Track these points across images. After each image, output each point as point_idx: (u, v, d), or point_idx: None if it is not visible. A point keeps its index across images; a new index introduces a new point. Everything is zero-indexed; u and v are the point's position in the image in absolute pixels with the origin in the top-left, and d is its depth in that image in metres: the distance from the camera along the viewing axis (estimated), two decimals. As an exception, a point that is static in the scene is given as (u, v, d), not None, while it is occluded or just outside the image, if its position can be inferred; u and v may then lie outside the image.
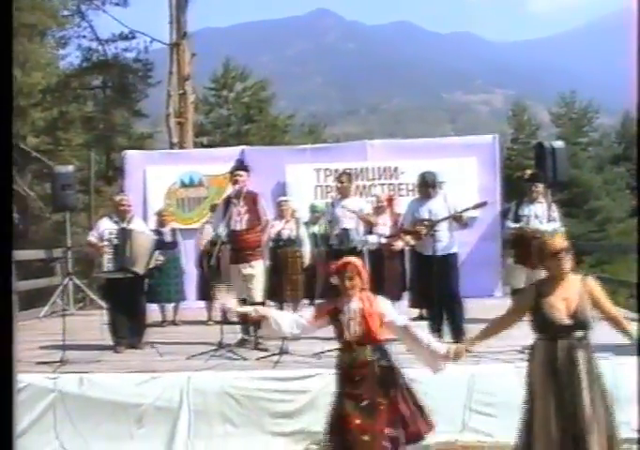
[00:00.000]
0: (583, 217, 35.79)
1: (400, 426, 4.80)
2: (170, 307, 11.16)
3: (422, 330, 5.14)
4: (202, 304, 11.07)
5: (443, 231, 8.23)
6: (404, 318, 5.17)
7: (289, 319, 5.08)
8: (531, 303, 4.62)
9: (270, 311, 5.21)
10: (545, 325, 4.53)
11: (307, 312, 5.12)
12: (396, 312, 5.14)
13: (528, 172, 11.12)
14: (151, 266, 8.81)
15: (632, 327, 4.55)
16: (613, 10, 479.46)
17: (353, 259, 5.15)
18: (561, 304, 4.49)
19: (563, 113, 43.71)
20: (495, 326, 4.99)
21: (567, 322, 4.45)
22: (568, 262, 4.57)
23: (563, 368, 4.43)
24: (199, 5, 21.57)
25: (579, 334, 4.47)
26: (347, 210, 8.86)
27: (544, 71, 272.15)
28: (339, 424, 4.87)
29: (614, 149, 43.19)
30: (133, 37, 26.31)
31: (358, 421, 4.77)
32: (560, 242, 4.61)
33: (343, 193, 9.15)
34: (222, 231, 8.24)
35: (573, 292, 4.54)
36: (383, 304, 5.02)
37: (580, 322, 4.47)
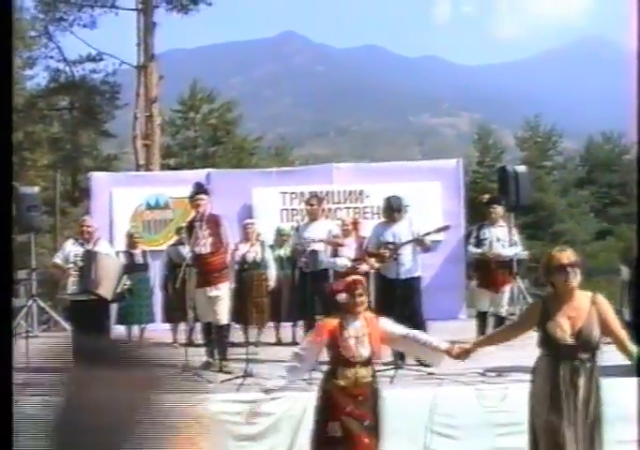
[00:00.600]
0: (548, 240, 36.10)
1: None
2: (136, 329, 11.13)
3: (420, 332, 5.26)
4: (167, 326, 11.05)
5: (407, 254, 8.33)
6: (402, 327, 5.18)
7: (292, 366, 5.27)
8: (536, 318, 4.45)
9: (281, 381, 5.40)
10: (548, 343, 4.36)
11: (305, 340, 5.27)
12: (394, 324, 5.20)
13: (487, 196, 11.28)
14: (119, 291, 8.77)
15: (635, 349, 4.37)
16: (577, 37, 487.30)
17: (359, 277, 5.22)
18: (566, 322, 4.29)
19: (528, 137, 44.15)
20: (499, 336, 5.01)
21: (570, 341, 4.26)
22: (575, 278, 4.38)
23: (563, 394, 4.25)
24: (166, 26, 21.71)
25: (583, 355, 4.28)
26: (313, 240, 8.92)
27: (510, 95, 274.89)
28: (332, 444, 4.86)
29: (578, 173, 43.73)
30: (101, 59, 26.41)
31: (366, 440, 4.79)
32: (567, 256, 4.40)
33: (313, 216, 9.21)
34: (187, 254, 8.30)
35: (581, 310, 4.33)
36: (383, 322, 5.09)
37: (584, 343, 4.27)
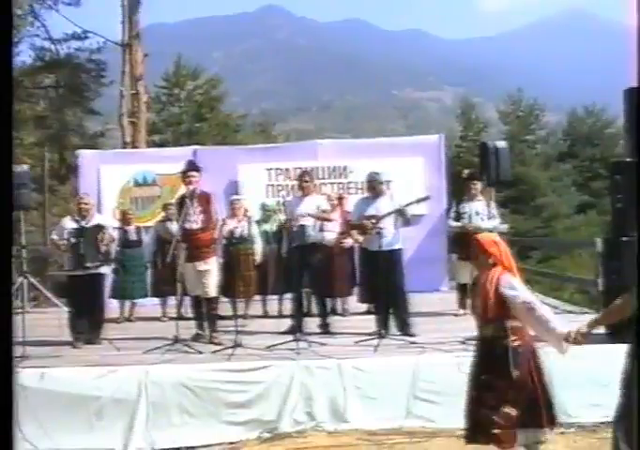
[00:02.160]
0: (530, 214, 36.48)
1: (526, 407, 4.69)
2: (127, 303, 11.37)
3: (547, 309, 4.81)
4: (156, 300, 11.31)
5: (388, 227, 8.56)
6: (528, 297, 4.78)
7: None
8: None
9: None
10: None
11: None
12: (522, 289, 4.83)
13: (466, 171, 11.50)
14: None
15: None
16: (559, 10, 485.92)
17: (480, 235, 5.11)
18: None
19: (510, 111, 44.33)
20: (617, 309, 4.36)
21: None
22: None
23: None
24: (149, 1, 21.63)
25: None
26: (306, 214, 9.06)
27: (493, 69, 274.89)
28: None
29: (560, 146, 43.91)
30: (86, 37, 26.30)
31: (474, 392, 4.88)
32: None
33: (306, 191, 9.33)
34: (177, 230, 8.52)
35: None
36: (506, 281, 4.78)
37: None
